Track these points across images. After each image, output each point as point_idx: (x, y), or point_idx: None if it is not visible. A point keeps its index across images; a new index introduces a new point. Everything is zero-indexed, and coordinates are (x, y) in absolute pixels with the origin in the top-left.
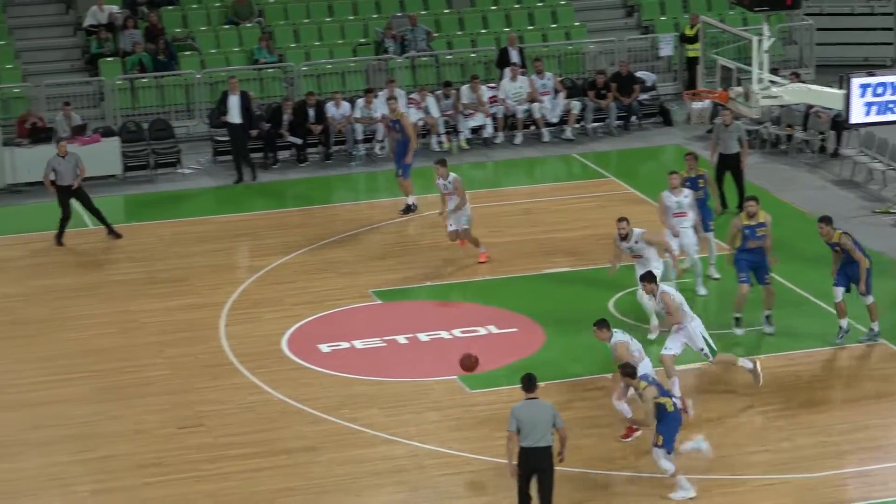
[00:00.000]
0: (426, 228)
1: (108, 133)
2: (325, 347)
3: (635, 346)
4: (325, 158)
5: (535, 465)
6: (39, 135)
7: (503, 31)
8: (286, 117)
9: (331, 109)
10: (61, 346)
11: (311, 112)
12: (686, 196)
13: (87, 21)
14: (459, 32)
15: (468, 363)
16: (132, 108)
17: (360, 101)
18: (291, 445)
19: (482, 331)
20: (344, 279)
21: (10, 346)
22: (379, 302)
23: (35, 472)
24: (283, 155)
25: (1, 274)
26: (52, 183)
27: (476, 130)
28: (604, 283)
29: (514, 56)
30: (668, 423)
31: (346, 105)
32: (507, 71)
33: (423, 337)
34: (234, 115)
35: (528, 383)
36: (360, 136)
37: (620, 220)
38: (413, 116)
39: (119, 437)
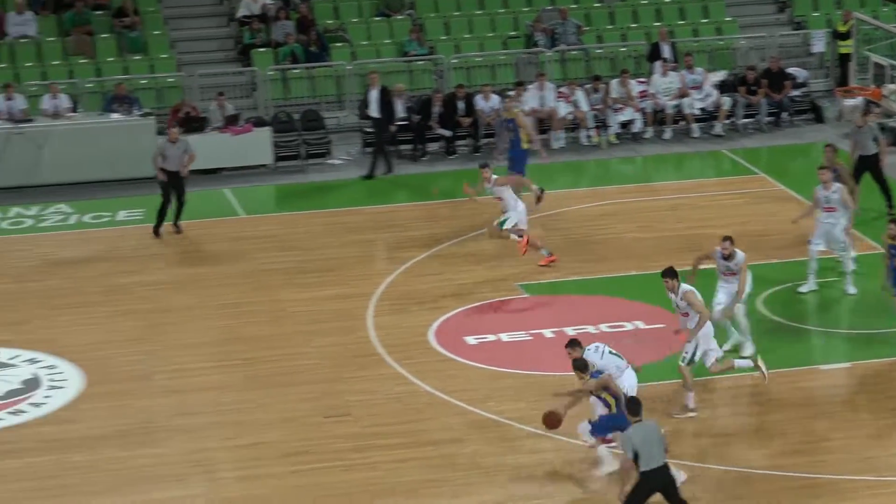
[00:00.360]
0: (576, 223)
1: (259, 123)
2: (471, 340)
3: (612, 361)
4: (474, 151)
5: (657, 485)
6: (192, 124)
7: (653, 25)
8: (435, 110)
9: (480, 102)
10: (211, 334)
11: (461, 105)
12: (835, 192)
13: (241, 12)
14: (610, 26)
15: (551, 420)
16: (284, 99)
17: (510, 95)
18: (438, 437)
19: (629, 326)
20: (491, 272)
21: (159, 332)
22: (525, 295)
23: (182, 458)
24: (433, 147)
25: (149, 262)
26: (162, 169)
27: (625, 125)
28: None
29: (666, 51)
30: (606, 420)
31: (495, 98)
32: (658, 65)
33: (569, 331)
34: (374, 110)
35: (636, 407)
36: None
37: (725, 238)
38: (562, 110)
39: (267, 425)
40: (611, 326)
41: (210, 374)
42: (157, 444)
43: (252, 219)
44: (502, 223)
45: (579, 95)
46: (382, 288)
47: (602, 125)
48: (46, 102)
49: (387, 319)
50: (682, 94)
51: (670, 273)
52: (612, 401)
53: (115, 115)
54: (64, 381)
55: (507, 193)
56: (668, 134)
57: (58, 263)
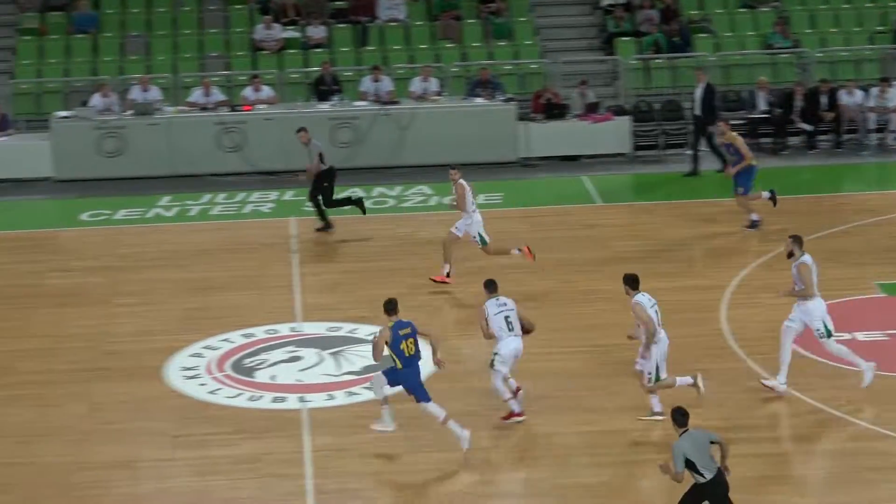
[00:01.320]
0: None
1: (619, 112)
2: None
3: (497, 324)
4: (836, 146)
5: (720, 491)
6: (553, 111)
7: None
8: (797, 103)
9: (843, 97)
10: (566, 320)
11: (824, 99)
12: None
13: (606, 0)
14: None
15: None
16: (645, 88)
17: (875, 90)
18: (780, 434)
19: None
20: (849, 270)
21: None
22: (884, 295)
23: (531, 442)
24: (793, 141)
25: (506, 246)
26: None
27: None
28: None
29: None
30: (391, 374)
31: (859, 93)
32: None
33: None
34: (696, 107)
35: (683, 417)
36: (872, 126)
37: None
38: None
39: (616, 413)
40: None
41: (564, 359)
42: (504, 426)
43: (608, 207)
44: (482, 242)
45: None
46: (737, 280)
47: None
48: (415, 85)
49: (740, 312)
50: None
51: (626, 280)
52: (396, 359)
53: (478, 100)
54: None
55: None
56: None
57: (418, 244)
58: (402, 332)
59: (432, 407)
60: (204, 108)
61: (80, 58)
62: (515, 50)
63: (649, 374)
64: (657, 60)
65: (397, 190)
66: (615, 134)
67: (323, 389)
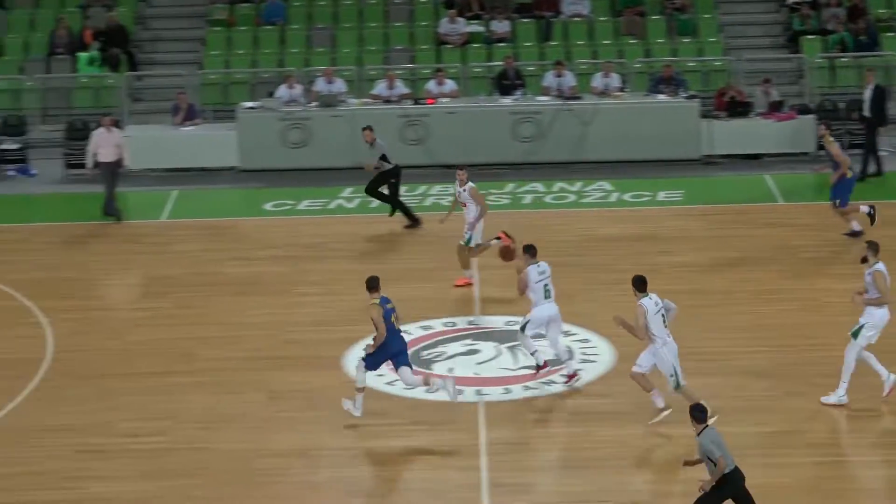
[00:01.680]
0: None
1: (804, 111)
2: None
3: (537, 290)
4: None
5: (741, 483)
6: (737, 108)
7: None
8: None
9: None
10: (741, 319)
11: None
12: None
13: None
14: None
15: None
16: (829, 87)
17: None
18: None
19: None
20: None
21: (691, 315)
22: None
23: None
24: None
25: (684, 243)
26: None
27: None
28: None
29: None
30: (383, 348)
31: None
32: None
33: None
34: (866, 108)
35: (702, 413)
36: None
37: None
38: None
39: (795, 414)
40: None
41: (738, 359)
42: (676, 425)
43: (790, 206)
44: (467, 242)
45: None
46: None
47: None
48: (597, 80)
49: None
50: None
51: (634, 282)
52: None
53: (660, 96)
54: (596, 356)
55: (474, 206)
56: None
57: (597, 239)
58: (388, 306)
59: (408, 373)
60: (387, 101)
61: (267, 49)
62: (699, 47)
63: (671, 376)
64: (843, 59)
65: (578, 186)
66: (799, 133)
67: (500, 383)
